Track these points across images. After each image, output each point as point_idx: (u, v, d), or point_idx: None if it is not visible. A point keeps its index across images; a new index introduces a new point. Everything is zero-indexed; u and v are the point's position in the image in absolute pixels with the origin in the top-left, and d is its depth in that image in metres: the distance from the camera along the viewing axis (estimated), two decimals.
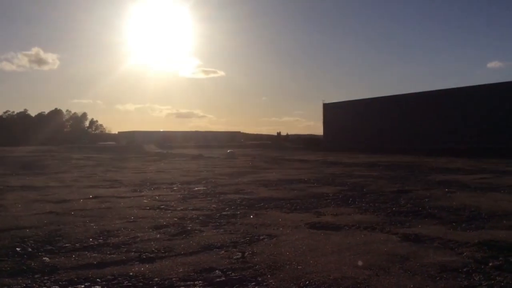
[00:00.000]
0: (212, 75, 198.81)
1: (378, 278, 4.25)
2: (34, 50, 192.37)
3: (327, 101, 70.58)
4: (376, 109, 59.67)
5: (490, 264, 4.71)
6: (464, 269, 4.52)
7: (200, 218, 7.56)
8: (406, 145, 48.39)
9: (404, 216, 7.67)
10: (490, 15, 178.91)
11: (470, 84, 58.25)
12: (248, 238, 6.01)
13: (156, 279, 4.32)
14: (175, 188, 12.32)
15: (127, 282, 4.25)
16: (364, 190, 11.41)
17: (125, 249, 5.49)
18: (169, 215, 7.88)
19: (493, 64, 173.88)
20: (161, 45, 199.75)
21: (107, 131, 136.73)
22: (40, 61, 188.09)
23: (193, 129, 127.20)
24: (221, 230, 6.58)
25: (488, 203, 8.96)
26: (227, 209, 8.54)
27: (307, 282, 4.17)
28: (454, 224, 6.93)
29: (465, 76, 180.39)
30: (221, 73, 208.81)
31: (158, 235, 6.23)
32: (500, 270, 4.50)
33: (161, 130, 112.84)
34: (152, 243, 5.77)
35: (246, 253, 5.23)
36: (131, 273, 4.50)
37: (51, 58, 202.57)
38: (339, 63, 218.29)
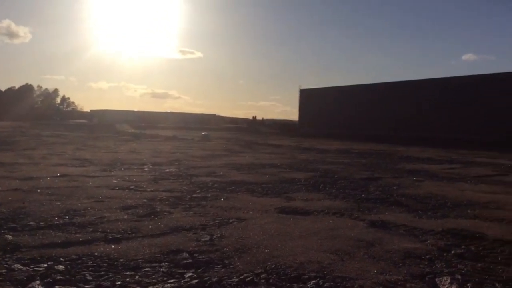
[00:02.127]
0: (189, 55, 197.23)
1: (343, 263, 4.31)
2: (5, 22, 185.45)
3: (304, 87, 70.87)
4: (352, 96, 60.18)
5: (452, 252, 4.82)
6: (427, 256, 4.61)
7: (170, 199, 7.51)
8: (380, 133, 49.05)
9: (373, 203, 7.79)
10: (467, 9, 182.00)
11: (445, 75, 59.29)
12: (217, 221, 6.00)
13: (122, 259, 4.27)
14: (146, 169, 12.19)
15: (91, 262, 4.19)
16: (335, 176, 11.52)
17: (91, 229, 5.41)
18: (138, 196, 7.80)
19: (467, 57, 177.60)
20: (138, 24, 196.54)
21: (79, 109, 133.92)
22: (11, 34, 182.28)
23: (168, 110, 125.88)
24: (191, 212, 6.55)
25: (454, 192, 9.18)
26: (198, 191, 8.50)
27: (273, 265, 4.20)
28: (420, 212, 7.07)
29: (440, 68, 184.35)
30: (198, 54, 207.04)
31: (126, 216, 6.16)
32: (461, 258, 4.61)
33: (135, 110, 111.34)
34: (119, 223, 5.70)
35: (215, 236, 5.23)
36: (96, 253, 4.43)
37: (23, 31, 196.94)
38: (317, 50, 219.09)
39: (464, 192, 9.31)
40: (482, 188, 10.01)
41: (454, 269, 4.26)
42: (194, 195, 8.01)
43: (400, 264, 4.33)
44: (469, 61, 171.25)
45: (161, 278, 3.84)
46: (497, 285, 3.86)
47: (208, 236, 5.22)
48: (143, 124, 67.83)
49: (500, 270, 4.24)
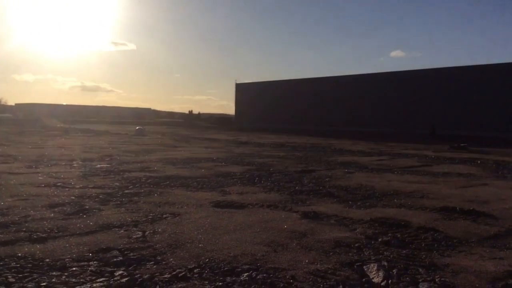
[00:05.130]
0: (122, 47, 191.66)
1: (276, 254, 4.37)
2: None
3: (239, 81, 71.21)
4: (287, 91, 61.24)
5: (380, 240, 5.04)
6: (356, 245, 4.79)
7: (101, 196, 7.26)
8: (314, 127, 50.32)
9: (306, 194, 7.96)
10: (398, 7, 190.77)
11: (374, 71, 61.98)
12: (150, 217, 5.88)
13: (47, 260, 4.07)
14: (75, 165, 11.70)
15: (14, 263, 3.96)
16: (271, 169, 11.66)
17: (14, 228, 5.11)
18: (66, 193, 7.46)
19: (395, 53, 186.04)
20: (67, 13, 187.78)
21: (2, 103, 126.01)
22: None
23: (100, 104, 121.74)
24: (122, 208, 6.37)
25: (382, 183, 9.59)
26: (130, 187, 8.28)
27: (207, 259, 4.18)
28: (350, 202, 7.33)
29: (370, 64, 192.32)
30: (131, 46, 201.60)
31: (52, 214, 5.87)
32: (388, 246, 4.83)
33: (64, 103, 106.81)
34: (45, 222, 5.43)
35: (147, 232, 5.12)
36: (19, 254, 4.20)
37: None
38: (253, 44, 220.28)
39: (391, 182, 9.75)
40: (408, 178, 10.54)
41: (381, 256, 4.46)
42: (126, 191, 7.79)
43: (331, 253, 4.46)
44: (397, 58, 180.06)
45: (90, 277, 3.70)
46: (420, 270, 4.08)
47: (140, 232, 5.10)
48: (73, 118, 65.04)
49: (424, 256, 4.49)
